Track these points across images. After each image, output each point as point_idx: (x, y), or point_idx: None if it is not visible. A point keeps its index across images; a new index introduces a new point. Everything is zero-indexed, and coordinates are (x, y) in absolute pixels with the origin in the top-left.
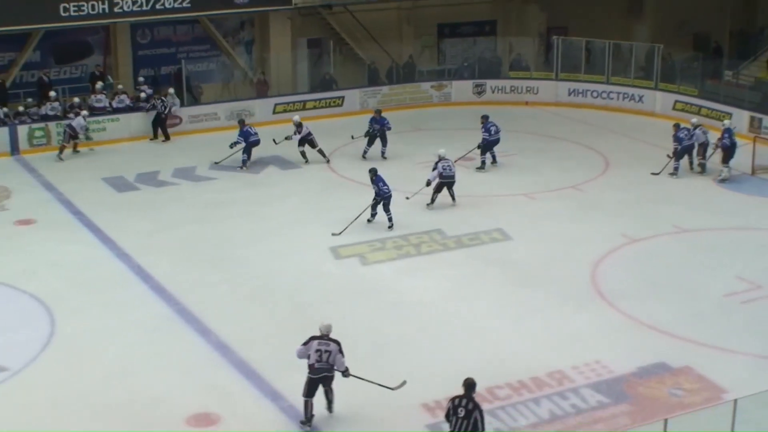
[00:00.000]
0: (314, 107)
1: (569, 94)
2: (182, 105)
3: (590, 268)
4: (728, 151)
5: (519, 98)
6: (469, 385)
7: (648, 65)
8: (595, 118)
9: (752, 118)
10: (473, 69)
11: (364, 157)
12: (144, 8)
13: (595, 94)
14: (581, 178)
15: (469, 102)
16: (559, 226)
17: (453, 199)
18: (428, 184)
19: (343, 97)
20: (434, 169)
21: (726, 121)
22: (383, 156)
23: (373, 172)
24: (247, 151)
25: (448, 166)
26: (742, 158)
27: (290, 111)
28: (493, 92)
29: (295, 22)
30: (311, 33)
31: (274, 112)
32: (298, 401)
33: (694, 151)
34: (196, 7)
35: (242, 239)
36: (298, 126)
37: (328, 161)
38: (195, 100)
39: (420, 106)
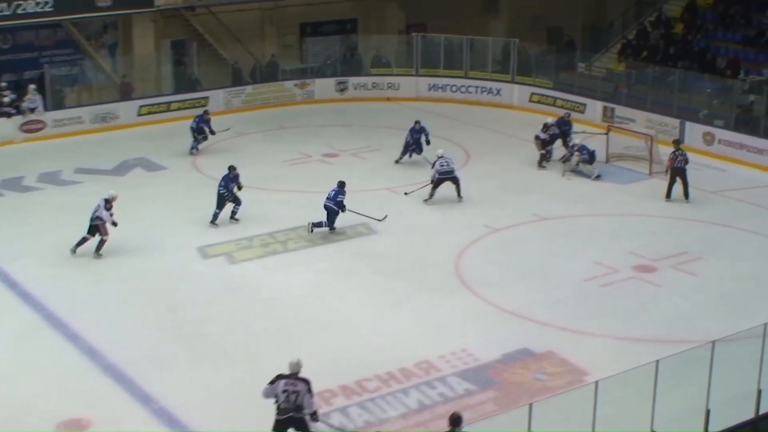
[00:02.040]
0: (179, 108)
1: (429, 89)
2: (46, 109)
3: (454, 258)
4: (589, 161)
5: (381, 94)
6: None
7: (504, 59)
8: (455, 111)
9: (605, 108)
10: (335, 67)
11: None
12: (5, 13)
13: (454, 88)
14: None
15: (332, 99)
16: (423, 218)
17: (458, 194)
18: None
19: (207, 98)
20: (432, 167)
21: (576, 141)
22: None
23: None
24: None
25: (446, 162)
26: (597, 147)
27: (155, 113)
28: (355, 89)
29: (159, 24)
30: (175, 35)
31: (139, 114)
32: (170, 404)
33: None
34: (59, 11)
35: (110, 242)
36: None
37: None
38: (59, 104)
39: (284, 105)
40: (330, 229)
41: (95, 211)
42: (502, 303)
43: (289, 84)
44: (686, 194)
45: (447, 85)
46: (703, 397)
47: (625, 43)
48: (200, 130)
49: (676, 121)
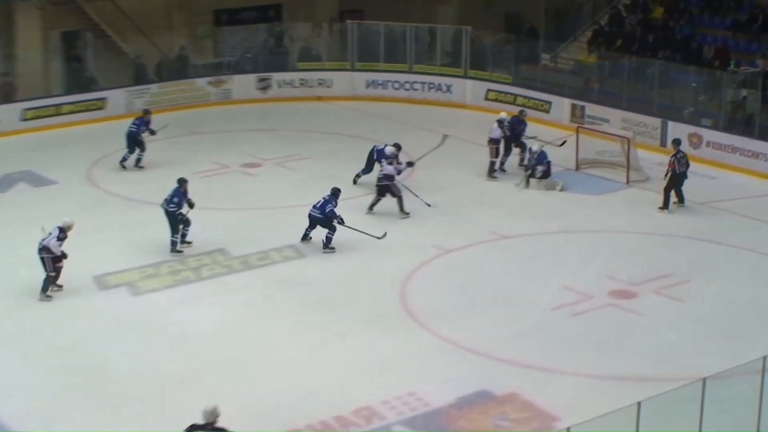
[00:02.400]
0: (71, 112)
1: (368, 86)
2: None
3: (398, 285)
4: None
5: (310, 93)
6: None
7: (455, 50)
8: (398, 112)
9: (574, 107)
10: (256, 61)
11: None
12: None
13: (396, 85)
14: None
15: (253, 99)
16: (362, 239)
17: (401, 209)
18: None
19: (105, 99)
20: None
21: (535, 147)
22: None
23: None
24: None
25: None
26: (565, 152)
27: (43, 117)
28: (280, 87)
29: (46, 12)
30: (65, 25)
31: (23, 119)
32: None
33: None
34: None
35: None
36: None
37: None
38: None
39: (196, 106)
40: (323, 245)
41: (43, 240)
42: (456, 337)
43: (201, 82)
44: (682, 199)
45: (388, 81)
46: None
47: (597, 30)
48: (137, 140)
49: (657, 121)
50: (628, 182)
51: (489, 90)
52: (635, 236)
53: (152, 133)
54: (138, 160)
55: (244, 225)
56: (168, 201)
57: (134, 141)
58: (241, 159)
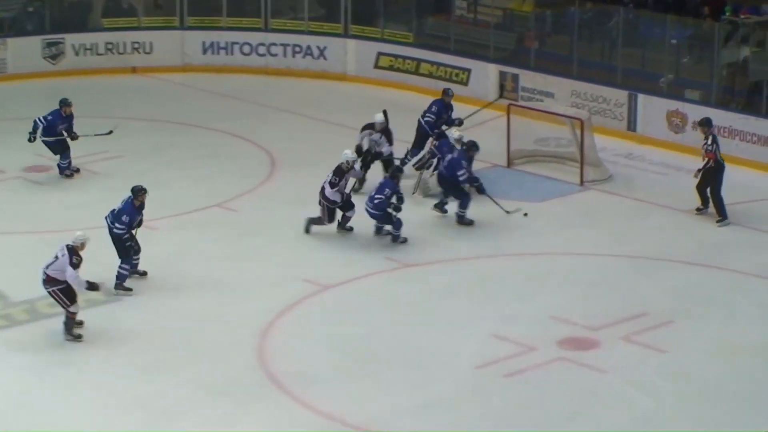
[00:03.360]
0: None
1: (204, 52)
2: None
3: (257, 338)
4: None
5: (122, 62)
6: None
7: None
8: (250, 88)
9: (502, 75)
10: (41, 16)
11: None
12: None
13: (247, 48)
14: (232, 191)
15: (40, 72)
16: (204, 270)
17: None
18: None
19: None
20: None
21: (455, 133)
22: None
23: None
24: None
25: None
26: (492, 140)
27: None
28: (77, 54)
29: None
30: None
31: None
32: None
33: None
34: None
35: None
36: None
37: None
38: None
39: None
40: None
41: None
42: (340, 412)
43: None
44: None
45: (235, 43)
46: None
47: None
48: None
49: (622, 94)
50: (582, 183)
51: (380, 54)
52: (595, 260)
53: (73, 137)
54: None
55: (28, 257)
56: (120, 221)
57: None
58: (22, 160)
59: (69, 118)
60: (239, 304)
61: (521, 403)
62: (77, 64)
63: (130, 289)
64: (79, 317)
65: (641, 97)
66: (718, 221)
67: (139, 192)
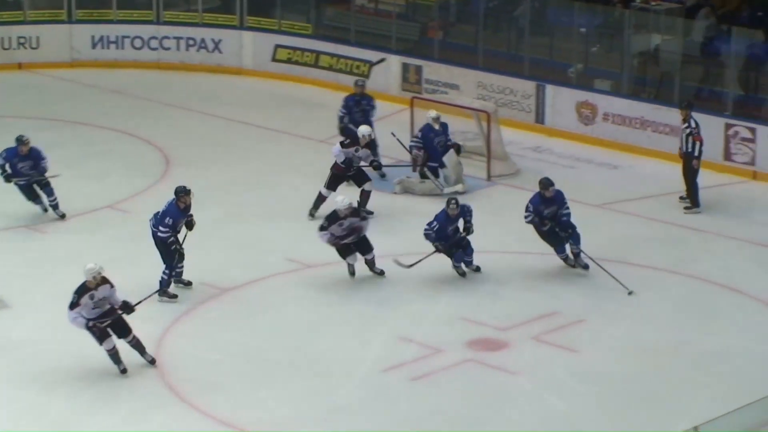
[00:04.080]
0: None
1: (94, 46)
2: None
3: (152, 345)
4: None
5: (7, 58)
6: None
7: None
8: (142, 83)
9: (406, 68)
10: None
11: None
12: None
13: (138, 42)
14: (124, 191)
15: None
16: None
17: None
18: None
19: None
20: None
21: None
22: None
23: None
24: None
25: None
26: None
27: None
28: None
29: None
30: None
31: None
32: None
33: None
34: None
35: None
36: None
37: None
38: None
39: None
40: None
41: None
42: (243, 420)
43: None
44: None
45: (125, 36)
46: None
47: None
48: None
49: (529, 85)
50: (489, 178)
51: (278, 46)
52: (504, 258)
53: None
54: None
55: None
56: (164, 224)
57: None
58: None
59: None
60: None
61: (429, 407)
62: None
63: (175, 296)
64: None
65: (549, 88)
66: (686, 208)
67: (181, 193)
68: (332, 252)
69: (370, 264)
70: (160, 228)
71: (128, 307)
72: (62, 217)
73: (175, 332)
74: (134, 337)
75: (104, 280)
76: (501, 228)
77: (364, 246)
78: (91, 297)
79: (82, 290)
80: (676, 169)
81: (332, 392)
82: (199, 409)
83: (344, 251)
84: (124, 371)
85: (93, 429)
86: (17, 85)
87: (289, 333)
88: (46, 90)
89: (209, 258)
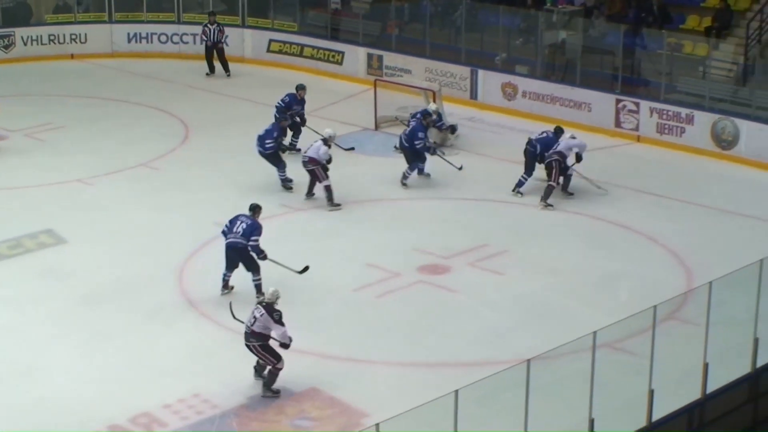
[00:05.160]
0: None
1: (129, 41)
2: None
3: (176, 272)
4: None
5: (62, 50)
6: None
7: None
8: (167, 70)
9: (370, 56)
10: None
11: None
12: None
13: (163, 38)
14: (154, 153)
15: None
16: (131, 220)
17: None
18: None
19: None
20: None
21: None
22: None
23: None
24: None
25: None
26: (362, 109)
27: None
28: (25, 44)
29: None
30: None
31: None
32: None
33: None
34: None
35: None
36: None
37: None
38: None
39: None
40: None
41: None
42: (242, 328)
43: None
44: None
45: (153, 33)
46: (519, 429)
47: None
48: None
49: (465, 70)
50: (434, 142)
51: (272, 40)
52: (444, 203)
53: None
54: None
55: None
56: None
57: None
58: None
59: (302, 102)
60: (162, 245)
61: (389, 318)
62: (25, 53)
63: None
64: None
65: (481, 72)
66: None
67: (256, 209)
68: (314, 201)
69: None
70: (252, 239)
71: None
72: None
73: (194, 261)
74: (275, 368)
75: (267, 306)
76: (441, 179)
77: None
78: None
79: (272, 309)
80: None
81: (313, 307)
82: (213, 319)
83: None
84: (276, 393)
85: (130, 337)
86: (69, 71)
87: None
88: (92, 75)
89: (225, 202)
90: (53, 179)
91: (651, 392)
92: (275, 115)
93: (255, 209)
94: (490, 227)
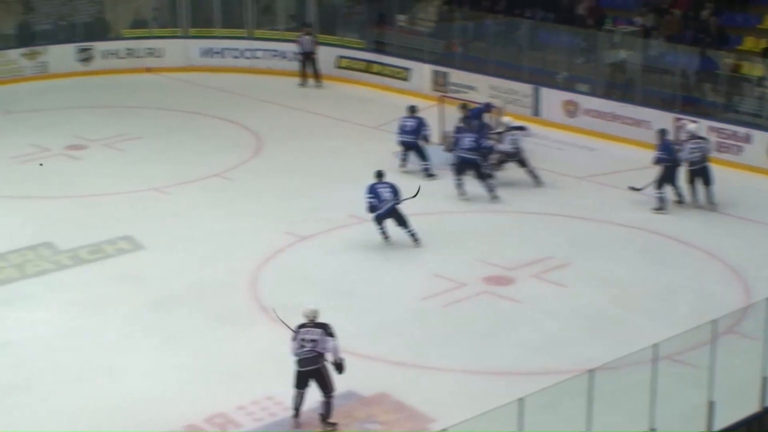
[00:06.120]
0: None
1: (203, 55)
2: None
3: (249, 278)
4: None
5: (138, 64)
6: None
7: (300, 13)
8: (240, 83)
9: (435, 74)
10: (74, 29)
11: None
12: None
13: (236, 53)
14: (227, 163)
15: (74, 72)
16: (205, 227)
17: (536, 179)
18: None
19: None
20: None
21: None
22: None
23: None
24: None
25: (515, 138)
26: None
27: None
28: (103, 58)
29: None
30: None
31: None
32: None
33: None
34: None
35: None
36: None
37: None
38: None
39: (8, 82)
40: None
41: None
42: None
43: (13, 53)
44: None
45: (226, 48)
46: None
47: None
48: None
49: (528, 87)
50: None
51: (340, 57)
52: (510, 216)
53: None
54: None
55: (71, 215)
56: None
57: None
58: (63, 141)
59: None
60: (235, 252)
61: (455, 326)
62: (104, 66)
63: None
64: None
65: (543, 90)
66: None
67: (381, 173)
68: None
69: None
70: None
71: (340, 366)
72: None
73: (266, 269)
74: (330, 398)
75: (317, 324)
76: (507, 194)
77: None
78: (295, 336)
79: (297, 326)
80: (637, 150)
81: (383, 315)
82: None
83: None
84: (294, 416)
85: (202, 341)
86: (146, 84)
87: (353, 269)
88: (168, 88)
89: (296, 212)
90: (131, 188)
91: (711, 404)
92: (467, 119)
93: (381, 174)
94: (553, 240)
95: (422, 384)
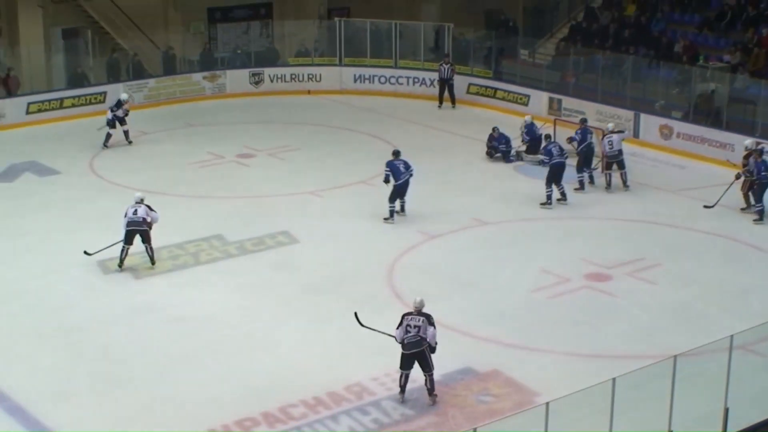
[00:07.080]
0: (73, 105)
1: (355, 81)
2: None
3: (386, 269)
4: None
5: (301, 87)
6: None
7: (438, 46)
8: (385, 105)
9: (551, 100)
10: (248, 57)
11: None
12: None
13: (383, 79)
14: (371, 172)
15: (246, 93)
16: (350, 225)
17: (624, 183)
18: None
19: (104, 93)
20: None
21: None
22: None
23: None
24: None
25: (611, 141)
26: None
27: (46, 110)
28: (272, 81)
29: (48, 10)
30: (66, 22)
31: (28, 112)
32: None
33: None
34: None
35: None
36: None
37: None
38: None
39: (192, 100)
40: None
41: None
42: (440, 317)
43: (197, 76)
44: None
45: (374, 75)
46: (664, 418)
47: (573, 26)
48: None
49: (630, 113)
50: (602, 171)
51: (470, 84)
52: (609, 222)
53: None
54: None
55: (239, 212)
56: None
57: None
58: (235, 150)
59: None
60: (375, 247)
61: (560, 315)
62: (271, 88)
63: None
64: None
65: (642, 116)
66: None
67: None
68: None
69: None
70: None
71: (432, 350)
72: None
73: (401, 262)
74: (432, 375)
75: (421, 314)
76: (607, 203)
77: None
78: (401, 322)
79: (404, 314)
80: (723, 169)
81: (498, 303)
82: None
83: None
84: (401, 392)
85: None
86: (306, 104)
87: (474, 264)
88: (324, 108)
89: (429, 215)
90: (290, 191)
91: None
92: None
93: (397, 152)
94: (646, 244)
95: (529, 363)
